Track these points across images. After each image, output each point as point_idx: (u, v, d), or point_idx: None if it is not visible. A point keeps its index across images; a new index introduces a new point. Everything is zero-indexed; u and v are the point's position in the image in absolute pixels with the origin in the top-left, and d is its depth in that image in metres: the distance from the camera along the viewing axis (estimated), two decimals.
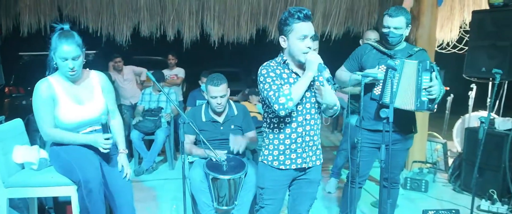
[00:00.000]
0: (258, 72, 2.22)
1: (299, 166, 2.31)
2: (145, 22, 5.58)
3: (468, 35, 4.93)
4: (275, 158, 2.30)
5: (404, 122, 2.86)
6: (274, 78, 2.17)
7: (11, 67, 6.68)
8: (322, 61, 2.15)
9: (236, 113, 3.26)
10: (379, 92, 2.78)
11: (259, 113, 5.39)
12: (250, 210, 2.97)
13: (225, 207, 2.90)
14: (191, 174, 2.96)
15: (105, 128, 2.47)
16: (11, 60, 6.69)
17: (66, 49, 2.36)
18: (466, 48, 4.39)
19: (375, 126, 2.84)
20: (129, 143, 4.78)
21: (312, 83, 2.23)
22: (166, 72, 6.13)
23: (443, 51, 5.81)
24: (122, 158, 2.67)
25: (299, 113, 2.25)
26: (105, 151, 2.50)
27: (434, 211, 3.20)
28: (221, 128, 3.19)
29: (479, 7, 5.01)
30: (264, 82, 2.18)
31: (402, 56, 2.77)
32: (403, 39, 2.85)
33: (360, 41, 4.22)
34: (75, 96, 2.51)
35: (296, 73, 2.24)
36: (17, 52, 6.69)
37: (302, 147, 2.29)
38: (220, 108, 3.14)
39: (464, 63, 4.29)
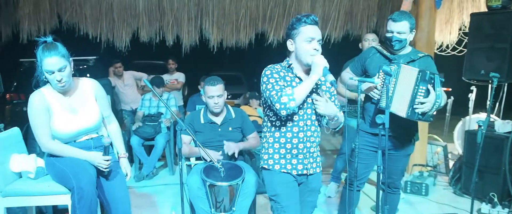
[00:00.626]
0: (262, 73, 2.23)
1: (300, 172, 2.29)
2: (144, 28, 5.62)
3: (467, 37, 4.92)
4: (276, 161, 2.28)
5: (406, 130, 2.83)
6: (278, 79, 2.18)
7: (12, 74, 6.71)
8: (328, 65, 2.15)
9: (233, 115, 3.30)
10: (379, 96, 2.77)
11: (259, 117, 5.39)
12: None
13: (223, 213, 2.90)
14: (188, 181, 2.96)
15: (107, 151, 2.46)
16: (12, 66, 6.72)
17: (51, 62, 2.33)
18: (466, 50, 4.37)
19: (375, 130, 2.82)
20: (129, 149, 4.79)
21: (314, 89, 2.23)
22: (166, 77, 6.13)
23: (442, 53, 5.80)
24: (123, 162, 2.67)
25: (301, 117, 2.25)
26: (104, 170, 2.49)
27: None
28: (219, 129, 3.22)
29: (477, 9, 5.02)
30: (267, 82, 2.18)
31: (403, 62, 2.73)
32: (407, 43, 2.81)
33: (360, 45, 4.22)
34: (69, 106, 2.49)
35: (299, 78, 2.25)
36: (18, 59, 6.72)
37: (303, 153, 2.28)
38: (218, 108, 3.16)
39: (464, 66, 4.27)
